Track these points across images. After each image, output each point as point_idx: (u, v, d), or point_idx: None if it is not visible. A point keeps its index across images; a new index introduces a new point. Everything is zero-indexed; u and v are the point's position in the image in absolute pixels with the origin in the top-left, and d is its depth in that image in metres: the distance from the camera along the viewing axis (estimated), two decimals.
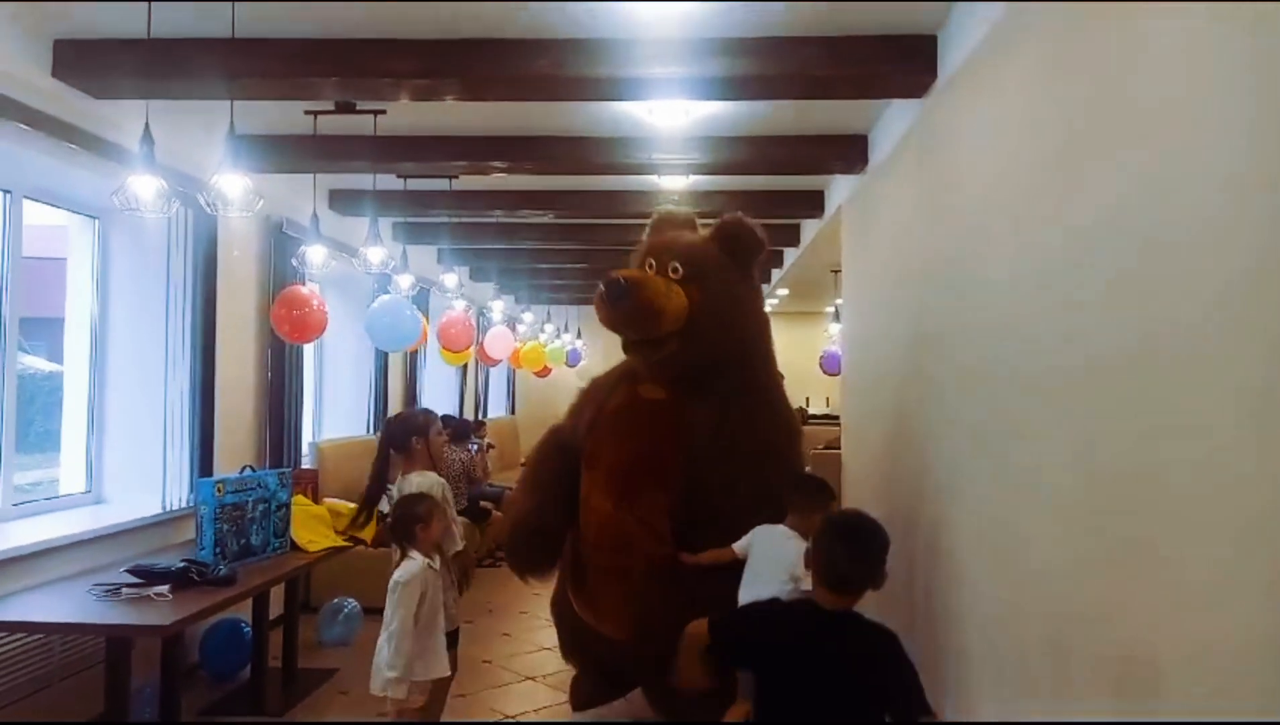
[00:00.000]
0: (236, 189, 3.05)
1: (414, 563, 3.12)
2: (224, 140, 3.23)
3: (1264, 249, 1.57)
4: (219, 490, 3.72)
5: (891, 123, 4.39)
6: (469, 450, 7.48)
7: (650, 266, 3.36)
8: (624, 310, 3.21)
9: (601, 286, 3.25)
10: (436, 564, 3.22)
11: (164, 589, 3.25)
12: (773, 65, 3.60)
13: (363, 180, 5.74)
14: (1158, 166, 1.94)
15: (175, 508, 4.52)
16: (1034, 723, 2.49)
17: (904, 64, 3.58)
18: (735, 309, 3.43)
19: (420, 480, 3.53)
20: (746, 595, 3.17)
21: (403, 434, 3.68)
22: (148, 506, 4.43)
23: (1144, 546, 1.95)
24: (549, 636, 4.85)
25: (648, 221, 4.05)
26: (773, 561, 3.21)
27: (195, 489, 4.55)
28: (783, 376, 3.98)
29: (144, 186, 2.98)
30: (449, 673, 3.27)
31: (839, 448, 6.26)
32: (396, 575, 3.12)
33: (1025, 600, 2.64)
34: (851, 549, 2.06)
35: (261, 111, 4.32)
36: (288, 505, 4.11)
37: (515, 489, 3.76)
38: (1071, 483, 2.34)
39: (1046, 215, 2.54)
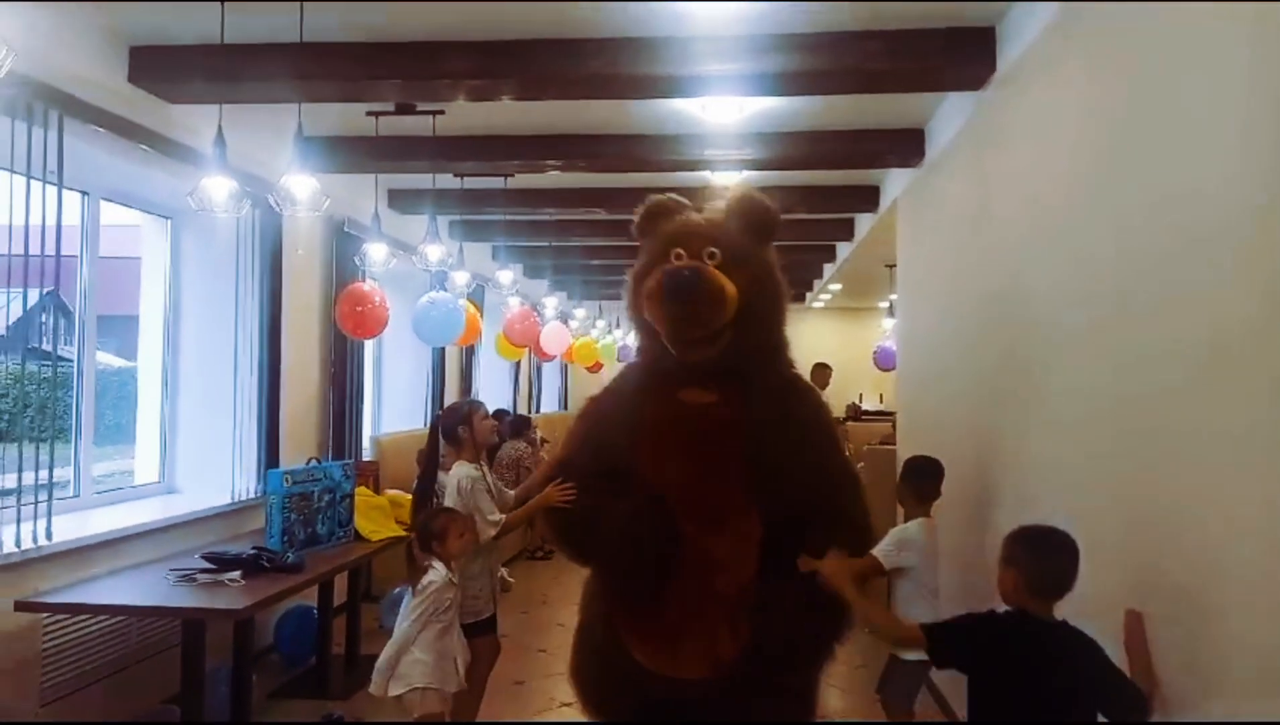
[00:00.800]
0: (305, 190, 3.16)
1: (436, 575, 3.16)
2: (291, 142, 3.34)
3: None
4: (287, 481, 3.85)
5: (948, 116, 4.35)
6: (528, 442, 7.60)
7: (679, 256, 3.00)
8: (696, 302, 2.84)
9: (661, 281, 2.87)
10: (457, 578, 3.25)
11: (236, 575, 3.37)
12: (829, 60, 3.60)
13: (420, 180, 5.86)
14: (1213, 161, 1.92)
15: (243, 498, 4.68)
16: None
17: (962, 57, 3.55)
18: (778, 291, 3.14)
19: (456, 471, 3.62)
20: (918, 603, 3.23)
21: (450, 425, 3.77)
22: (217, 497, 4.59)
23: (1231, 544, 1.92)
24: None
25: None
26: (931, 567, 3.33)
27: (265, 479, 4.72)
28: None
29: (218, 188, 3.09)
30: (463, 685, 3.26)
31: (893, 443, 6.22)
32: (420, 585, 3.16)
33: (1099, 600, 2.62)
34: (1071, 561, 2.21)
35: (324, 113, 4.44)
36: (351, 496, 4.23)
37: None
38: (1135, 480, 2.32)
39: (1104, 208, 2.52)
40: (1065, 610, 2.23)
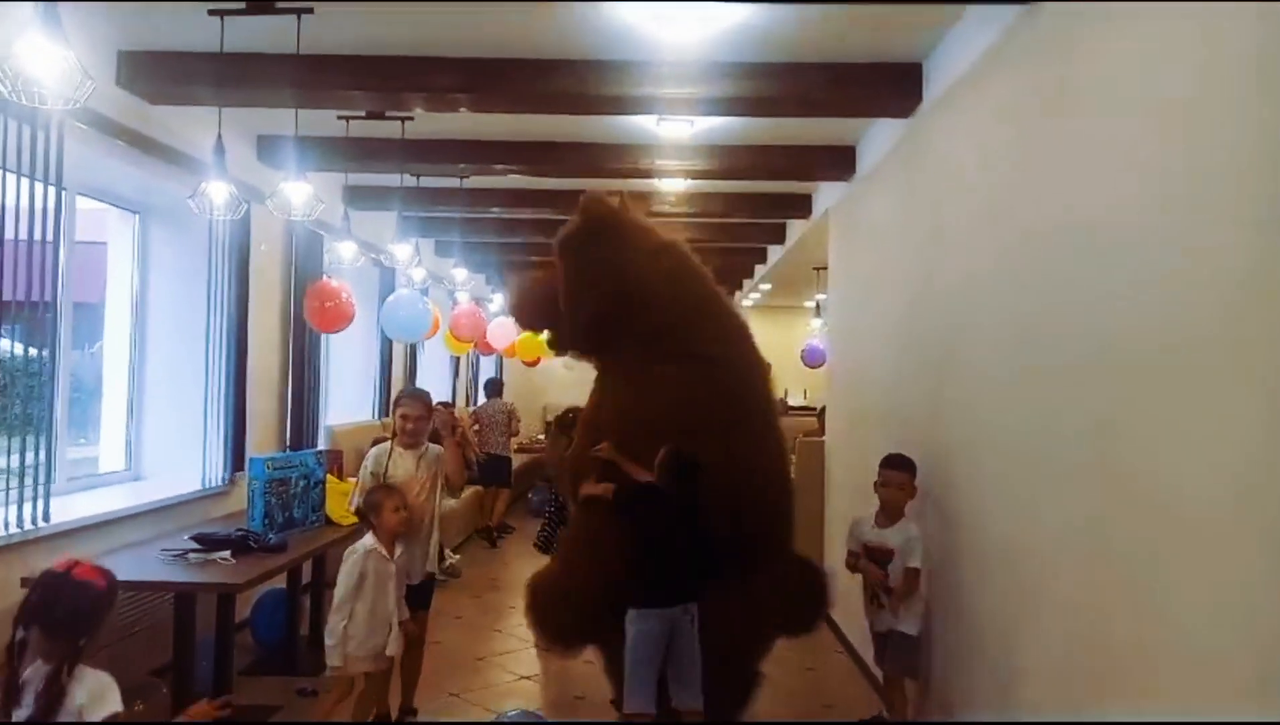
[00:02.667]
0: (301, 195, 3.39)
1: (362, 542, 3.43)
2: (252, 144, 3.52)
3: (1213, 262, 1.99)
4: (269, 467, 4.06)
5: (878, 137, 4.79)
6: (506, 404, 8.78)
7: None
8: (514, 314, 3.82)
9: None
10: (389, 553, 3.45)
11: (227, 554, 3.59)
12: (775, 87, 3.99)
13: (375, 177, 6.08)
14: (1110, 183, 2.36)
15: (213, 485, 4.85)
16: (1027, 722, 2.86)
17: (893, 88, 3.98)
18: (597, 280, 3.55)
19: (373, 449, 4.00)
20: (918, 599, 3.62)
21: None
22: (187, 483, 4.75)
23: (1148, 533, 2.19)
24: None
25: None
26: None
27: (233, 467, 4.91)
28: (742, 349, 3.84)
29: (218, 192, 3.31)
30: (389, 659, 3.51)
31: (818, 436, 6.70)
32: (345, 554, 3.45)
33: (1003, 576, 3.07)
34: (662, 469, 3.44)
35: (292, 115, 4.63)
36: (323, 482, 4.46)
37: None
38: (1037, 454, 2.77)
39: (1015, 221, 2.97)
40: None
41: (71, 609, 2.03)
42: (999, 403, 3.10)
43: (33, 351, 3.62)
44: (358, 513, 3.73)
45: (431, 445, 4.02)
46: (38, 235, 3.48)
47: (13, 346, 3.61)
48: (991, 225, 3.20)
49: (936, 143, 3.87)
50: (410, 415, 3.91)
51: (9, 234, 3.36)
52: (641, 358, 3.61)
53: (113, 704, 2.04)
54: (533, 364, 11.43)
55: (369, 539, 3.45)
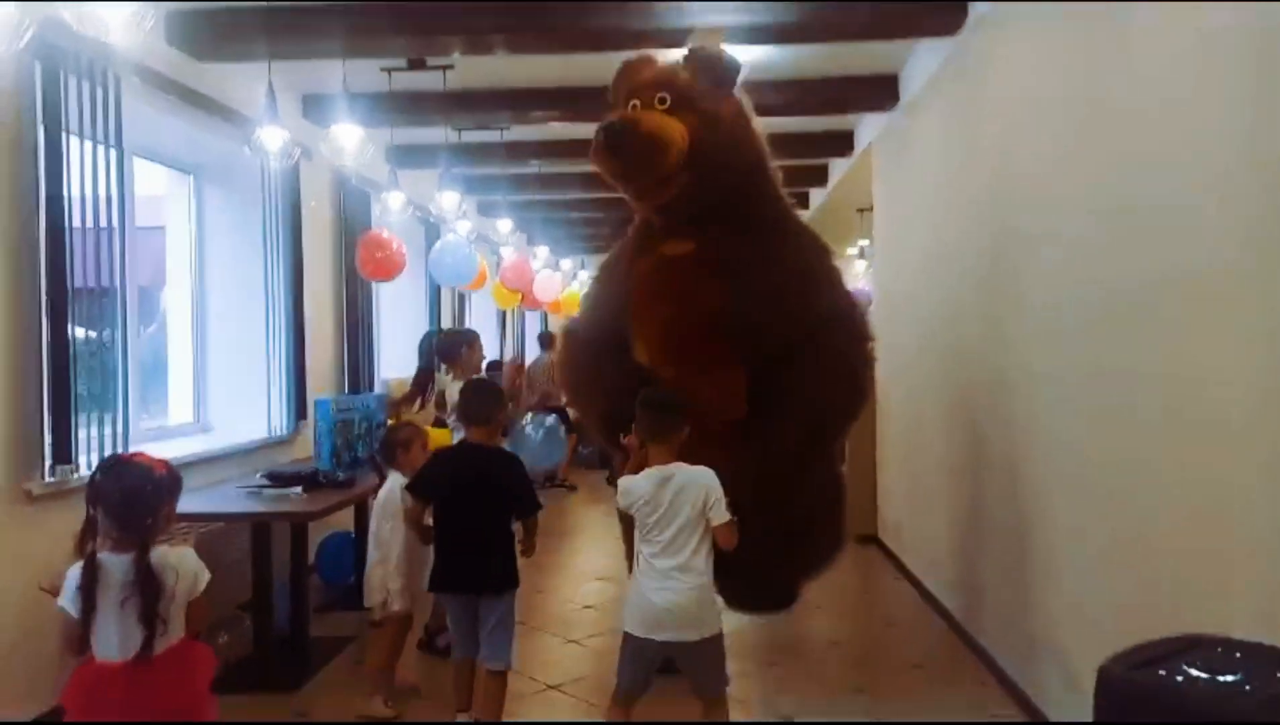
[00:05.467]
0: (353, 139, 3.49)
1: (392, 482, 3.34)
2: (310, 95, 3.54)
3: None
4: (334, 408, 4.21)
5: (921, 61, 4.72)
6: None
7: (635, 107, 3.18)
8: (630, 151, 3.02)
9: (599, 135, 3.07)
10: None
11: (298, 489, 3.75)
12: (810, 10, 3.96)
13: (420, 134, 6.16)
14: (1176, 109, 2.27)
15: (278, 433, 5.03)
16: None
17: (938, 3, 3.92)
18: (735, 128, 3.28)
19: (454, 386, 4.19)
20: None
21: (454, 344, 4.43)
22: (253, 432, 4.93)
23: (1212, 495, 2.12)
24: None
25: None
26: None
27: (314, 407, 5.04)
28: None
29: (271, 137, 3.41)
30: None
31: None
32: (379, 496, 3.39)
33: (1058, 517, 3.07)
34: (491, 401, 3.14)
35: (336, 70, 4.71)
36: (384, 424, 4.59)
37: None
38: (1095, 393, 2.75)
39: (1077, 144, 2.83)
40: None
41: (130, 488, 2.06)
42: (1055, 340, 3.01)
43: (104, 333, 3.71)
44: (384, 450, 3.53)
45: None
46: (103, 221, 3.55)
47: (86, 331, 3.71)
48: (1053, 147, 3.04)
49: (988, 60, 3.76)
50: (483, 358, 4.27)
51: (76, 221, 3.39)
52: (756, 220, 3.31)
53: (204, 578, 2.12)
54: None
55: (399, 477, 3.33)
